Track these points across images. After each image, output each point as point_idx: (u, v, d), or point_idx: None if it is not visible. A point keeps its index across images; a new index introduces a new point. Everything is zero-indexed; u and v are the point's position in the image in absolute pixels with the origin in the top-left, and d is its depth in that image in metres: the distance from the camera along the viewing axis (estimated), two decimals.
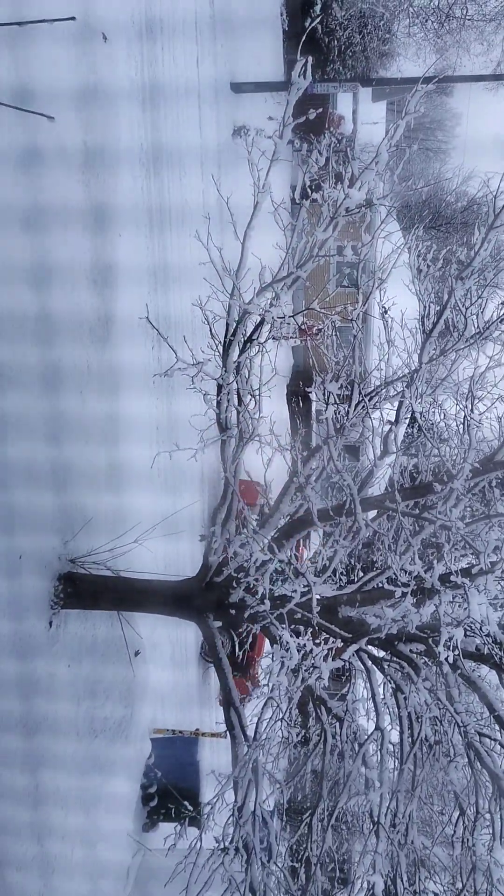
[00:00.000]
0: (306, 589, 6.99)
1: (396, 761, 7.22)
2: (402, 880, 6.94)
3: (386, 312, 8.27)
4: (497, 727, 7.10)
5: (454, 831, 7.26)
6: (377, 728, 7.04)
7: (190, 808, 8.89)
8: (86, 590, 8.48)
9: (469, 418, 8.00)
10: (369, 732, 7.12)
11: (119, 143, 10.68)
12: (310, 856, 7.15)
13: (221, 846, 6.90)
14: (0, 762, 7.39)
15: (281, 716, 7.06)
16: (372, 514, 8.49)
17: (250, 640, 8.31)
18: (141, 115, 11.88)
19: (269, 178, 6.65)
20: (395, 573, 6.98)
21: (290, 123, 6.60)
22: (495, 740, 7.03)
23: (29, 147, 7.95)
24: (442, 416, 10.41)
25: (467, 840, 6.88)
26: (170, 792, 11.24)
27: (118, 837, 10.80)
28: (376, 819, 6.71)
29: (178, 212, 13.46)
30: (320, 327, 12.23)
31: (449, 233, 30.14)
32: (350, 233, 7.93)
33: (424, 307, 8.01)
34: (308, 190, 7.42)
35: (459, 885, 7.02)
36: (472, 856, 6.80)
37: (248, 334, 7.34)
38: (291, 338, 21.70)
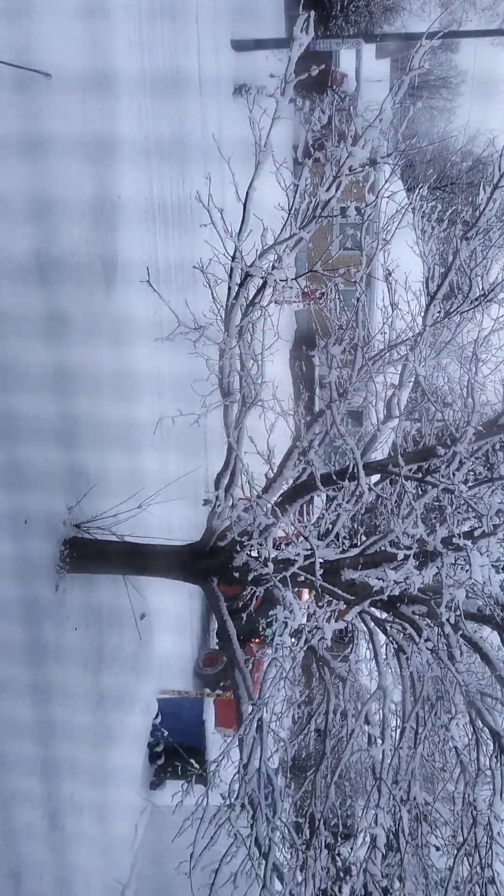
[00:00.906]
0: (309, 552, 7.04)
1: (398, 720, 7.34)
2: (403, 834, 7.10)
3: (390, 274, 8.20)
4: (498, 686, 7.20)
5: (455, 787, 7.41)
6: (379, 687, 7.14)
7: (196, 766, 9.08)
8: (91, 554, 8.55)
9: (473, 381, 7.97)
10: (372, 692, 7.23)
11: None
12: (313, 811, 7.31)
13: (227, 803, 7.06)
14: (9, 727, 7.52)
15: (284, 674, 7.16)
16: (375, 478, 8.51)
17: (254, 603, 8.40)
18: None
19: (271, 137, 6.54)
20: (397, 537, 7.02)
21: (292, 80, 6.46)
22: (496, 699, 7.13)
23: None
24: (446, 380, 10.38)
25: (468, 795, 7.02)
26: (176, 751, 11.45)
27: (126, 795, 11.04)
28: (378, 775, 6.84)
29: (178, 171, 13.27)
30: (323, 290, 12.13)
31: (454, 193, 29.71)
32: (353, 193, 7.83)
33: (429, 269, 7.92)
34: (311, 149, 7.29)
35: (460, 839, 7.18)
36: (472, 811, 6.94)
37: (250, 298, 7.28)
38: (294, 301, 21.56)
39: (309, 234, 6.92)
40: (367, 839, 6.99)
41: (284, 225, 6.94)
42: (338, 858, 8.93)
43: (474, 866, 6.99)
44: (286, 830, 7.40)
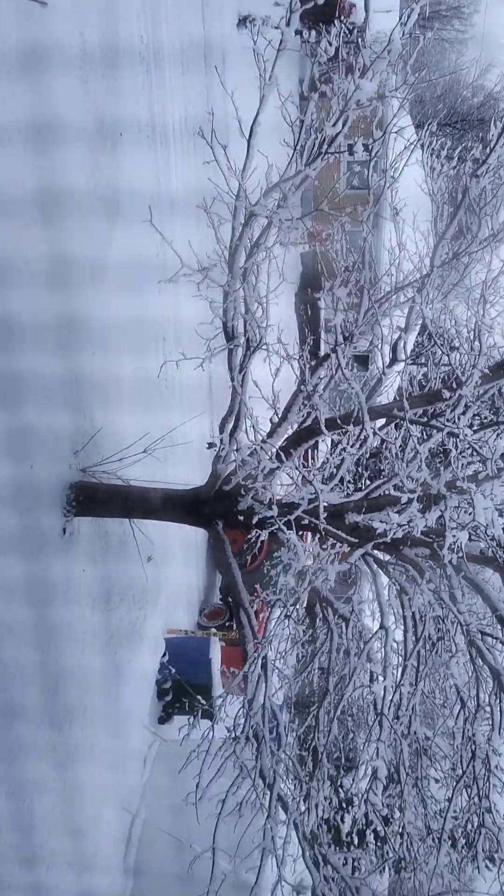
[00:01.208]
0: (314, 496, 7.09)
1: (400, 658, 7.49)
2: (404, 767, 7.34)
3: (397, 214, 8.03)
4: (499, 626, 7.33)
5: (455, 722, 7.61)
6: (382, 627, 7.28)
7: (203, 701, 9.32)
8: (97, 498, 8.62)
9: (480, 324, 7.88)
10: (374, 631, 7.37)
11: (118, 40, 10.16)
12: (317, 745, 7.53)
13: (233, 736, 7.28)
14: (21, 667, 7.71)
15: (288, 613, 7.30)
16: (380, 422, 8.50)
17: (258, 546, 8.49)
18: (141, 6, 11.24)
19: (276, 70, 6.34)
20: (401, 480, 7.05)
21: (298, 10, 6.23)
22: (497, 638, 7.26)
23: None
24: (453, 323, 10.27)
25: (467, 731, 7.22)
26: (183, 687, 11.76)
27: (135, 730, 11.38)
28: (380, 711, 7.02)
29: (181, 108, 12.91)
30: (329, 231, 11.92)
31: (464, 129, 28.91)
32: (361, 128, 7.61)
33: (437, 208, 7.76)
34: (317, 82, 7.07)
35: (459, 772, 7.41)
36: (471, 745, 7.14)
37: (254, 238, 7.16)
38: (300, 242, 21.20)
39: (315, 171, 6.76)
40: (369, 771, 7.22)
41: (290, 162, 6.77)
42: (340, 789, 9.25)
43: (472, 797, 7.24)
44: (290, 763, 7.64)
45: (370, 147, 7.44)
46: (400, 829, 7.51)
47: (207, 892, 7.02)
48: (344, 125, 6.55)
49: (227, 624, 14.58)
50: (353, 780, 8.43)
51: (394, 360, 8.15)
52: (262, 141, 6.60)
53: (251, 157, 6.67)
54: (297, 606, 7.53)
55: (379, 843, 8.33)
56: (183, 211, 12.36)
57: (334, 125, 6.55)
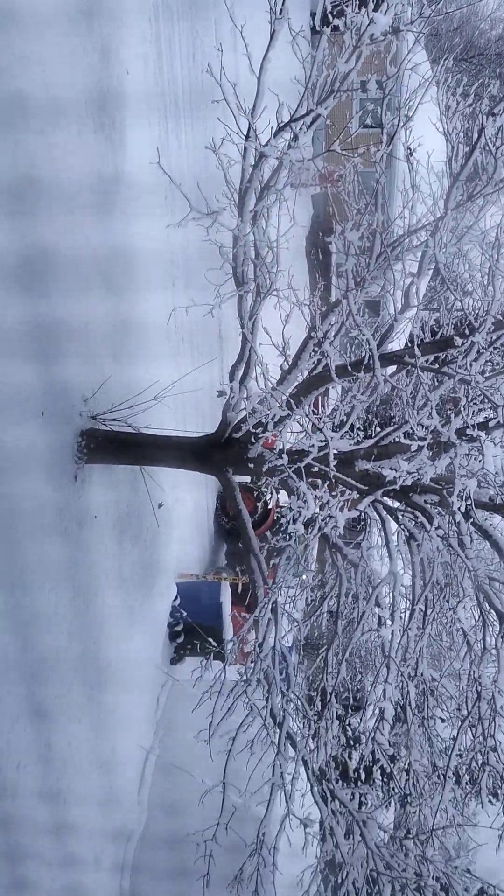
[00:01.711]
0: (324, 444, 7.10)
1: (408, 602, 7.61)
2: (410, 707, 7.52)
3: (411, 154, 7.83)
4: None
5: (461, 665, 7.76)
6: (390, 572, 7.37)
7: (214, 643, 9.53)
8: (108, 445, 8.67)
9: (494, 268, 7.75)
10: (383, 577, 7.47)
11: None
12: (325, 686, 7.72)
13: (244, 678, 7.46)
14: (38, 609, 7.88)
15: (297, 558, 7.39)
16: (391, 369, 8.45)
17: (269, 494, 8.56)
18: None
19: (287, 4, 6.12)
20: (412, 428, 7.05)
21: None
22: None
23: None
24: (466, 267, 10.10)
25: (473, 672, 7.36)
26: (195, 629, 12.02)
27: (148, 670, 11.68)
28: (387, 653, 7.17)
29: (189, 43, 12.51)
30: (341, 172, 11.64)
31: (481, 64, 27.89)
32: (374, 65, 7.37)
33: (452, 148, 7.55)
34: (329, 16, 6.81)
35: (465, 712, 7.59)
36: (477, 686, 7.30)
37: (265, 180, 7.01)
38: (311, 184, 20.75)
39: (327, 110, 6.57)
40: (376, 712, 7.41)
41: (301, 100, 6.58)
42: (348, 728, 9.51)
43: (477, 736, 7.43)
44: (299, 703, 7.84)
45: (384, 84, 7.21)
46: (406, 767, 7.74)
47: (218, 824, 7.30)
48: (357, 61, 6.34)
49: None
50: (361, 719, 8.65)
51: (406, 306, 8.04)
52: (272, 79, 6.41)
53: (261, 96, 6.49)
54: (307, 554, 7.62)
55: (385, 780, 8.60)
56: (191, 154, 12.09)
57: (347, 61, 6.35)
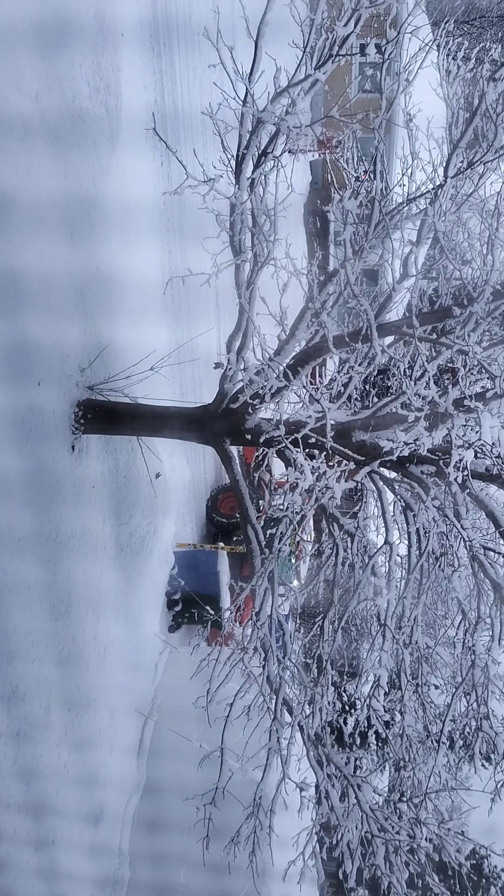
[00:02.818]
0: (321, 414, 7.10)
1: (404, 571, 7.67)
2: (405, 674, 7.63)
3: (411, 120, 7.71)
4: (501, 541, 7.46)
5: (456, 633, 7.86)
6: (386, 542, 7.42)
7: (211, 612, 9.63)
8: (105, 416, 8.66)
9: (494, 237, 7.68)
10: (379, 546, 7.52)
11: None
12: (321, 653, 7.82)
13: (241, 646, 7.55)
14: (34, 580, 7.94)
15: (293, 530, 7.43)
16: (388, 340, 8.41)
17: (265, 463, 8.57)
18: None
19: None
20: (409, 398, 7.04)
21: None
22: (499, 553, 7.41)
23: None
24: (466, 236, 10.00)
25: (468, 641, 7.46)
26: (192, 598, 12.13)
27: (146, 638, 11.80)
28: (383, 621, 7.25)
29: (185, 7, 12.24)
30: (340, 138, 11.47)
31: (483, 27, 27.34)
32: (374, 28, 7.22)
33: (452, 114, 7.44)
34: None
35: (459, 679, 7.71)
36: (471, 654, 7.40)
37: (262, 147, 6.91)
38: (309, 150, 20.46)
39: (325, 75, 6.46)
40: (371, 678, 7.52)
41: (299, 65, 6.47)
42: (343, 694, 9.65)
43: (471, 703, 7.55)
44: (296, 670, 7.95)
45: (383, 48, 7.08)
46: (400, 732, 7.87)
47: (216, 788, 7.44)
48: (356, 25, 6.22)
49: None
50: (357, 686, 8.78)
51: (404, 275, 7.98)
52: (269, 42, 6.28)
53: (259, 60, 6.37)
54: (304, 525, 7.67)
55: (380, 745, 8.75)
56: (187, 120, 11.90)
57: (346, 25, 6.22)
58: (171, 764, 10.53)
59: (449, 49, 7.67)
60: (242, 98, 6.55)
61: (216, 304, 14.00)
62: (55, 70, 8.05)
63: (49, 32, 7.84)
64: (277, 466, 15.11)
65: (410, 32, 7.01)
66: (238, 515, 8.18)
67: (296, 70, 6.47)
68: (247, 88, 6.45)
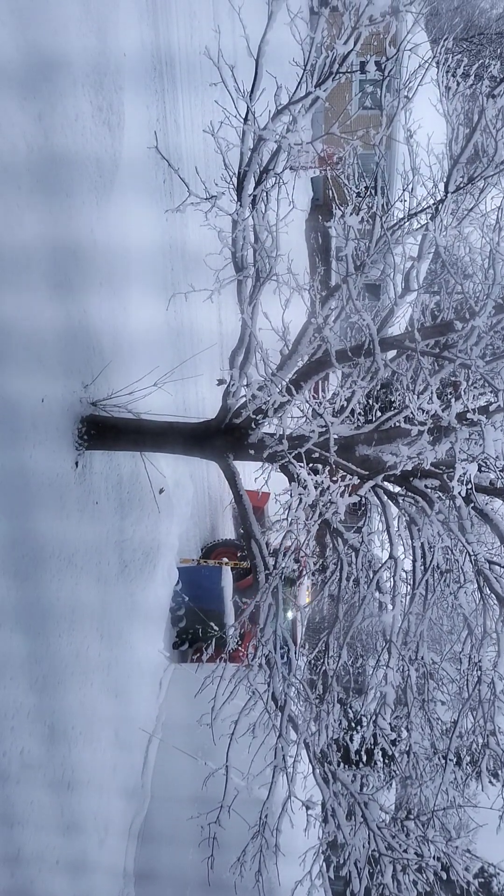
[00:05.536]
0: (324, 429, 7.09)
1: (409, 587, 7.63)
2: (411, 691, 7.57)
3: (411, 136, 7.76)
4: None
5: (462, 648, 7.80)
6: (391, 557, 7.39)
7: (216, 628, 9.58)
8: (108, 431, 8.66)
9: (495, 251, 7.70)
10: (383, 561, 7.48)
11: None
12: (327, 669, 7.76)
13: (246, 662, 7.50)
14: (40, 593, 7.91)
15: (298, 545, 7.40)
16: (391, 354, 8.41)
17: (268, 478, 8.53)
18: None
19: None
20: (412, 412, 7.03)
21: None
22: None
23: None
24: (467, 250, 10.04)
25: (474, 656, 7.40)
26: (197, 614, 12.07)
27: (151, 654, 11.74)
28: (388, 638, 7.20)
29: (187, 21, 12.38)
30: (340, 155, 11.55)
31: (482, 44, 27.58)
32: (373, 46, 7.28)
33: (452, 129, 7.48)
34: None
35: (465, 695, 7.64)
36: (477, 670, 7.34)
37: (263, 164, 6.96)
38: (310, 167, 20.60)
39: (326, 92, 6.51)
40: (378, 695, 7.46)
41: (300, 82, 6.52)
42: (349, 711, 9.58)
43: (478, 719, 7.48)
44: (301, 686, 7.89)
45: (383, 65, 7.14)
46: (407, 749, 7.80)
47: (221, 806, 7.37)
48: (356, 42, 6.28)
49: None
50: (362, 702, 8.71)
51: (406, 290, 8.00)
52: (270, 61, 6.34)
53: (259, 78, 6.42)
54: (308, 540, 7.64)
55: (386, 762, 8.67)
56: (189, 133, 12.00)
57: (346, 43, 6.28)
58: (175, 782, 10.44)
59: (448, 66, 7.73)
60: (244, 116, 6.60)
61: (219, 319, 14.05)
62: (57, 95, 8.14)
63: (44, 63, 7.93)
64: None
65: (410, 50, 7.07)
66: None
67: (296, 88, 6.52)
68: (248, 106, 6.50)
